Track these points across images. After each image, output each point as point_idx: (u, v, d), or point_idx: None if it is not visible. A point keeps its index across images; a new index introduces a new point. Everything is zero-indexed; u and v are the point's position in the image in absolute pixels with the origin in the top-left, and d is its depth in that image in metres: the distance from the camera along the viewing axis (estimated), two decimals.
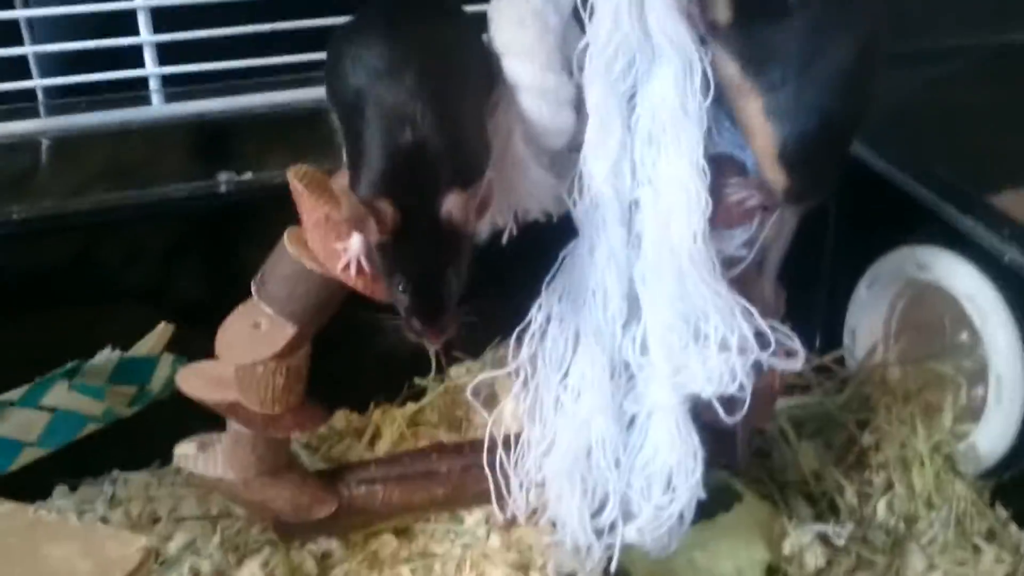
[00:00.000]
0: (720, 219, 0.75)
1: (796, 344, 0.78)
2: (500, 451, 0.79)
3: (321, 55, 0.98)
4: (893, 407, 1.05)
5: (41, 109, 0.97)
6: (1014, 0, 1.27)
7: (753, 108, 0.73)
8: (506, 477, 0.81)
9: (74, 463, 0.98)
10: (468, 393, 0.81)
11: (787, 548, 0.91)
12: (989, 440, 0.99)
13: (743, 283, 0.79)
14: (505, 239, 0.78)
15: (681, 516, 0.77)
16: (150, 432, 0.97)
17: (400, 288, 0.67)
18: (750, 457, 0.99)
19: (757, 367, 0.76)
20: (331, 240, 0.72)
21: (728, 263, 0.78)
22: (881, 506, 0.99)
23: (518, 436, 0.80)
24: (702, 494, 0.77)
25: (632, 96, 0.71)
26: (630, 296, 0.73)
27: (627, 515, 0.77)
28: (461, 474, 0.88)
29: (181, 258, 1.02)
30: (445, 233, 0.66)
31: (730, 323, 0.73)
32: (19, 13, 0.94)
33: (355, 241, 0.71)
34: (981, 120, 1.19)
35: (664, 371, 0.73)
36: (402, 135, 0.65)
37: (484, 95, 0.72)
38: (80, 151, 0.98)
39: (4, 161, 0.95)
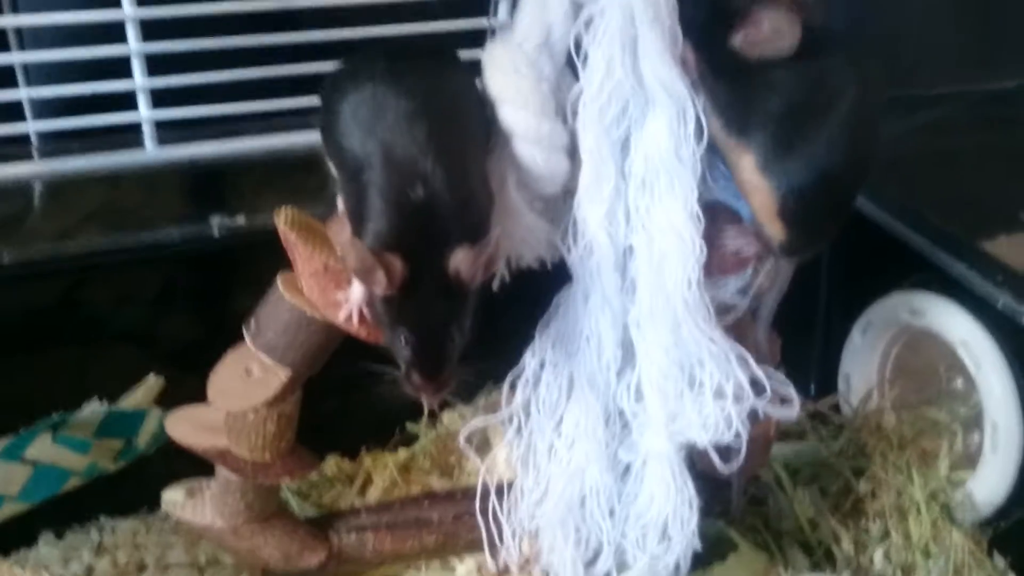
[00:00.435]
0: (715, 266, 0.75)
1: (791, 391, 0.78)
2: (493, 499, 0.78)
3: (313, 100, 1.00)
4: (889, 454, 1.04)
5: (35, 153, 0.97)
6: (1005, 46, 1.28)
7: (745, 164, 0.73)
8: (499, 525, 0.80)
9: (60, 510, 0.97)
10: (461, 439, 0.80)
11: None
12: (986, 488, 0.98)
13: (738, 330, 0.79)
14: (496, 285, 0.77)
15: (677, 566, 0.76)
16: (138, 478, 0.96)
17: (403, 341, 0.66)
18: (745, 505, 0.98)
19: (753, 415, 0.75)
20: (331, 289, 0.71)
21: (722, 310, 0.77)
22: (878, 555, 0.98)
23: (511, 484, 0.79)
24: (698, 544, 0.76)
25: (626, 142, 0.70)
26: (624, 343, 0.72)
27: (621, 565, 0.76)
28: (453, 522, 0.87)
29: (172, 302, 1.02)
30: (451, 289, 0.65)
31: (725, 370, 0.72)
32: (15, 57, 0.94)
33: (356, 290, 0.70)
34: (973, 165, 1.20)
35: (659, 419, 0.72)
36: (413, 190, 0.65)
37: (484, 145, 0.72)
38: (73, 194, 0.98)
39: None
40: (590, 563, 0.77)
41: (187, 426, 0.80)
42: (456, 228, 0.65)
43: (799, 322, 0.89)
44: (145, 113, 0.98)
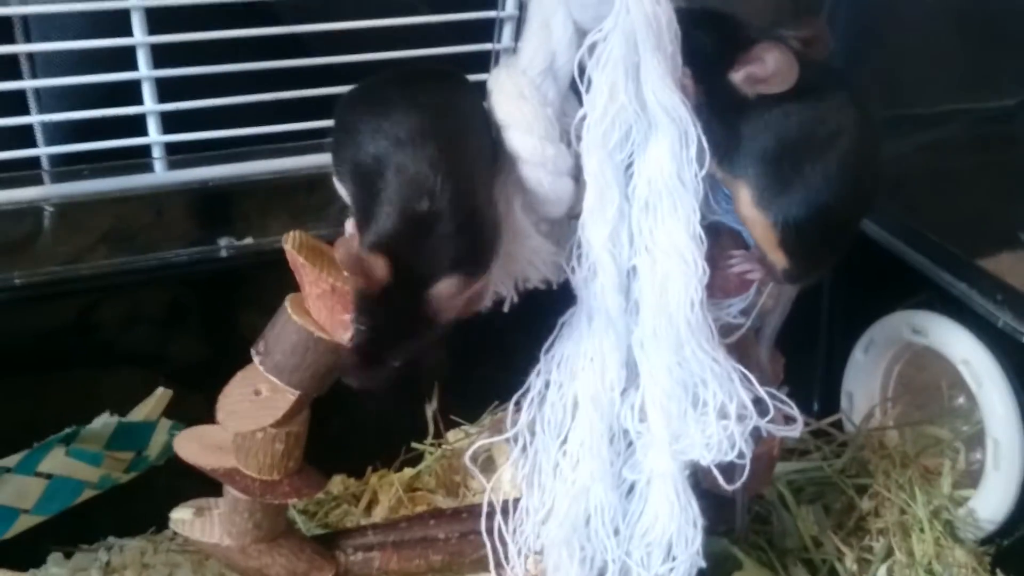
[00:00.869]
0: (718, 288, 0.75)
1: (794, 411, 0.78)
2: (499, 518, 0.79)
3: (320, 123, 1.01)
4: (892, 472, 1.05)
5: (45, 176, 0.98)
6: (1006, 65, 1.29)
7: (743, 197, 0.74)
8: (504, 544, 0.80)
9: (69, 529, 0.98)
10: (465, 459, 0.81)
11: None
12: (988, 506, 0.99)
13: (741, 349, 0.80)
14: (507, 308, 0.78)
15: None
16: (145, 498, 0.96)
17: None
18: (749, 523, 0.99)
19: (756, 434, 0.76)
20: (338, 311, 0.72)
21: (726, 330, 0.78)
22: (882, 573, 0.98)
23: (516, 502, 0.80)
24: (701, 563, 0.77)
25: (630, 165, 0.71)
26: (628, 363, 0.73)
27: None
28: (459, 541, 0.87)
29: (181, 323, 1.03)
30: (423, 310, 0.67)
31: (728, 390, 0.73)
32: (28, 84, 0.95)
33: None
34: (974, 184, 1.20)
35: (663, 438, 0.73)
36: (419, 203, 0.66)
37: (492, 166, 0.72)
38: (82, 217, 0.99)
39: (8, 227, 0.96)
40: None
41: (195, 446, 0.80)
42: (450, 252, 0.67)
43: (802, 340, 0.90)
44: (155, 137, 0.99)
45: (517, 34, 1.01)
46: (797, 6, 1.21)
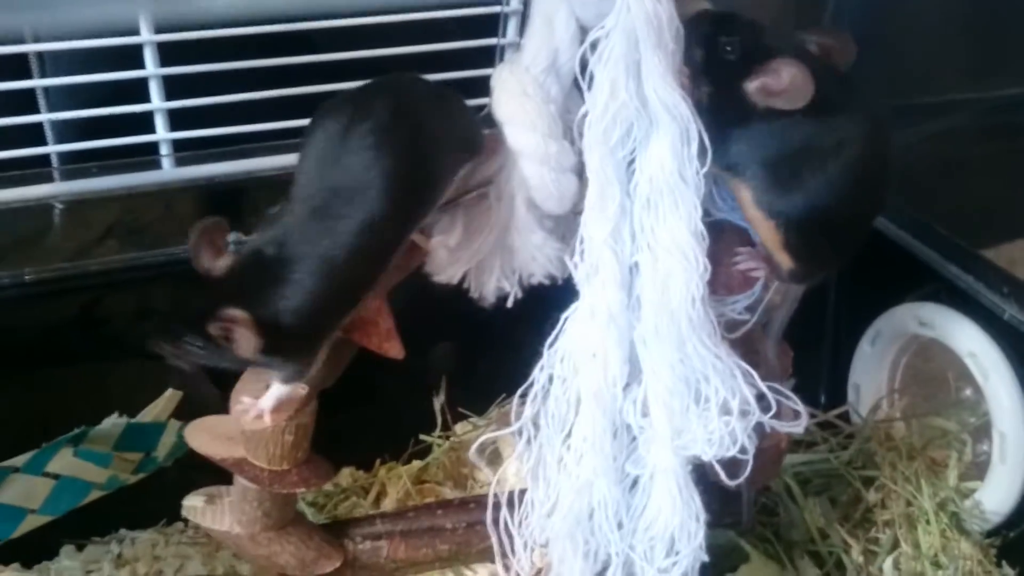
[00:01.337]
0: (720, 285, 0.76)
1: (799, 406, 0.78)
2: (504, 511, 0.79)
3: None
4: (898, 464, 1.05)
5: (55, 174, 0.99)
6: (1014, 53, 1.28)
7: (745, 198, 0.74)
8: (510, 536, 0.81)
9: (81, 523, 0.98)
10: (471, 453, 0.81)
11: None
12: (995, 498, 0.99)
13: (747, 343, 0.80)
14: (510, 303, 0.78)
15: None
16: (157, 492, 0.97)
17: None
18: (756, 515, 0.99)
19: (760, 429, 0.76)
20: None
21: (731, 326, 0.78)
22: (888, 565, 0.98)
23: (523, 494, 0.80)
24: (704, 557, 0.77)
25: (632, 162, 0.71)
26: (631, 359, 0.73)
27: None
28: (466, 530, 0.88)
29: None
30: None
31: (731, 386, 0.73)
32: (37, 82, 0.96)
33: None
34: (982, 174, 1.20)
35: (665, 434, 0.73)
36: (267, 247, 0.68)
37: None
38: (91, 212, 1.00)
39: (19, 223, 0.97)
40: (599, 575, 0.78)
41: (206, 436, 0.81)
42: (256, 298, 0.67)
43: (809, 333, 0.90)
44: (162, 134, 1.00)
45: (522, 29, 1.01)
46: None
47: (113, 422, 0.95)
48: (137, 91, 0.98)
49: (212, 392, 0.75)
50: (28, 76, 0.96)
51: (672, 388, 0.72)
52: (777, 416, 0.76)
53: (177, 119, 1.00)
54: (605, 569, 0.77)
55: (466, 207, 0.76)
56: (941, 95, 1.28)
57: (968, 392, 1.06)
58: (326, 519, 1.03)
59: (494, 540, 0.81)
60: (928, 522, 1.00)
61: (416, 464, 1.10)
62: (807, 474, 1.06)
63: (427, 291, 0.78)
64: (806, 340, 0.90)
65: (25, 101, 0.96)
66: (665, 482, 0.74)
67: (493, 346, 1.01)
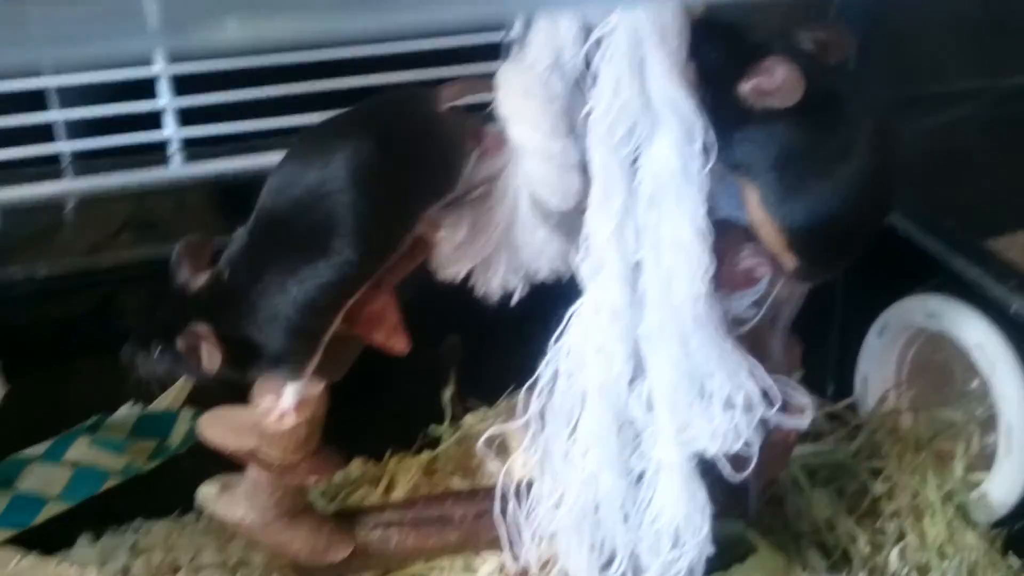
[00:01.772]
0: (724, 282, 0.76)
1: (805, 399, 0.79)
2: (512, 502, 0.80)
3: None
4: (905, 455, 1.05)
5: (66, 171, 1.00)
6: (1021, 43, 1.28)
7: (752, 198, 0.74)
8: (518, 528, 0.82)
9: (97, 513, 1.00)
10: (480, 445, 0.82)
11: None
12: (1001, 489, 0.99)
13: (753, 339, 0.80)
14: (515, 300, 0.79)
15: (691, 571, 0.78)
16: (171, 482, 0.98)
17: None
18: (763, 506, 1.00)
19: (764, 422, 0.77)
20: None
21: (737, 321, 0.79)
22: (894, 556, 0.99)
23: (530, 486, 0.81)
24: (710, 549, 0.77)
25: (636, 160, 0.71)
26: (635, 354, 0.74)
27: (636, 570, 0.77)
28: (474, 520, 0.89)
29: None
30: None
31: (736, 381, 0.74)
32: (50, 81, 0.97)
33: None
34: (990, 165, 1.20)
35: (669, 428, 0.73)
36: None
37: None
38: (102, 209, 1.01)
39: (32, 220, 0.98)
40: (605, 567, 0.78)
41: (219, 428, 0.82)
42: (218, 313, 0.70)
43: (816, 325, 0.90)
44: (172, 132, 1.01)
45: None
46: None
47: (127, 411, 0.96)
48: (147, 89, 0.99)
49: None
50: (39, 75, 0.97)
51: (676, 383, 0.73)
52: (783, 410, 0.77)
53: (186, 117, 1.01)
54: (611, 561, 0.78)
55: (471, 204, 0.77)
56: (949, 85, 1.27)
57: (975, 384, 1.06)
58: (336, 509, 1.04)
59: (501, 531, 0.82)
60: (934, 513, 1.00)
61: (426, 455, 1.11)
62: (814, 465, 1.07)
63: (436, 283, 0.79)
64: (814, 332, 0.90)
65: (36, 100, 0.98)
66: (670, 476, 0.75)
67: (502, 339, 1.02)
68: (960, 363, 1.06)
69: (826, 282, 0.81)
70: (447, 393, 1.12)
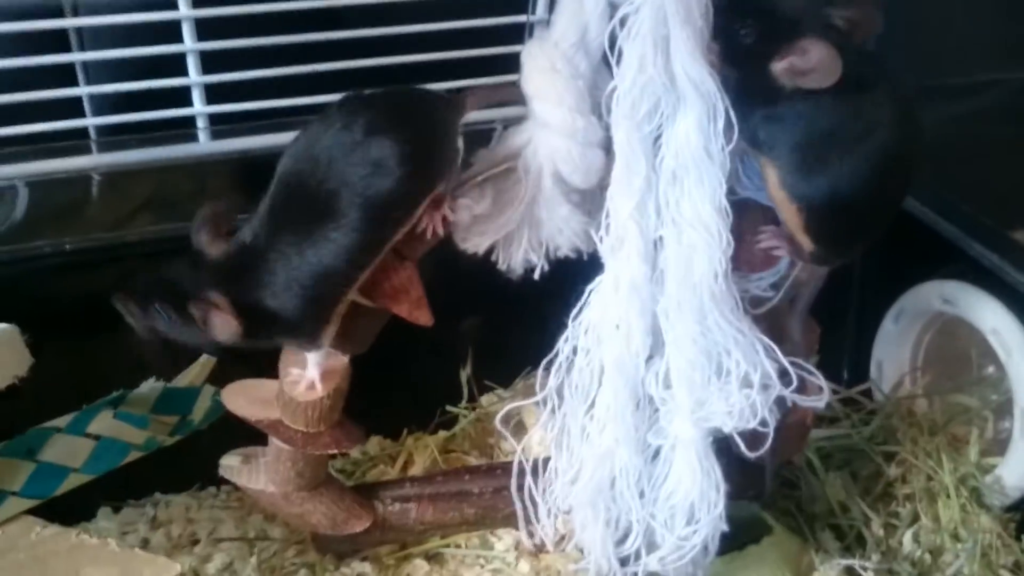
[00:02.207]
0: (743, 262, 0.76)
1: (821, 381, 0.79)
2: (528, 478, 0.81)
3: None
4: (919, 439, 1.06)
5: (93, 146, 1.01)
6: None
7: (771, 178, 0.74)
8: (535, 504, 0.82)
9: (117, 486, 1.01)
10: (496, 421, 0.83)
11: None
12: (1015, 473, 1.00)
13: (771, 320, 0.81)
14: (537, 275, 0.80)
15: (705, 547, 0.78)
16: (191, 456, 0.99)
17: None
18: (778, 488, 1.01)
19: (781, 403, 0.77)
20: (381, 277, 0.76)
21: (756, 302, 0.79)
22: (907, 538, 0.99)
23: (546, 462, 0.82)
24: (724, 526, 0.78)
25: (658, 137, 0.72)
26: (654, 331, 0.74)
27: (651, 545, 0.78)
28: (492, 495, 0.90)
29: None
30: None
31: (752, 360, 0.74)
32: (76, 56, 0.98)
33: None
34: (1010, 154, 1.20)
35: (686, 406, 0.74)
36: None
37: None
38: (128, 184, 1.02)
39: (59, 194, 0.99)
40: (620, 542, 0.79)
41: (242, 399, 0.84)
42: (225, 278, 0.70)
43: (833, 309, 0.91)
44: (199, 107, 1.02)
45: (552, 5, 1.02)
46: None
47: (151, 386, 0.97)
48: (174, 65, 1.00)
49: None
50: (67, 50, 0.98)
51: (693, 360, 0.73)
52: (799, 391, 0.77)
53: (213, 93, 1.02)
54: (626, 536, 0.79)
55: (495, 180, 0.78)
56: (971, 75, 1.27)
57: (991, 370, 1.06)
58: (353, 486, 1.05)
59: (518, 507, 0.83)
60: (948, 496, 1.00)
61: (442, 434, 1.12)
62: (829, 449, 1.07)
63: (455, 264, 0.80)
64: (830, 317, 0.91)
65: (64, 74, 0.98)
66: (686, 453, 0.75)
67: (519, 319, 1.03)
68: (976, 349, 1.06)
69: (843, 267, 0.82)
70: (464, 373, 1.13)
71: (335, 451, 0.83)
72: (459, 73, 1.01)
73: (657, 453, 0.78)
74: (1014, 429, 0.99)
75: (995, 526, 0.97)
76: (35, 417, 0.93)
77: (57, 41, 0.98)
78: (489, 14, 1.06)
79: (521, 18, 1.06)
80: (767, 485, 0.90)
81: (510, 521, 0.88)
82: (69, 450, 0.93)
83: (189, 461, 1.01)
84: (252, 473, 0.86)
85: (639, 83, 0.70)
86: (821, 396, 0.80)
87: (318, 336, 0.74)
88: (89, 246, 0.98)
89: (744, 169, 0.78)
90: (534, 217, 0.78)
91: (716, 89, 0.69)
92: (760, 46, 0.71)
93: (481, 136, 0.81)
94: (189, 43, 0.97)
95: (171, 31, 0.98)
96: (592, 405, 0.77)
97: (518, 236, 0.79)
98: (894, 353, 1.12)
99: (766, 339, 0.75)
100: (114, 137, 1.02)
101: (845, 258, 0.80)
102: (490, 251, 0.80)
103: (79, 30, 0.99)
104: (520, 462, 0.82)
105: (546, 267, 0.80)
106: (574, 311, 0.76)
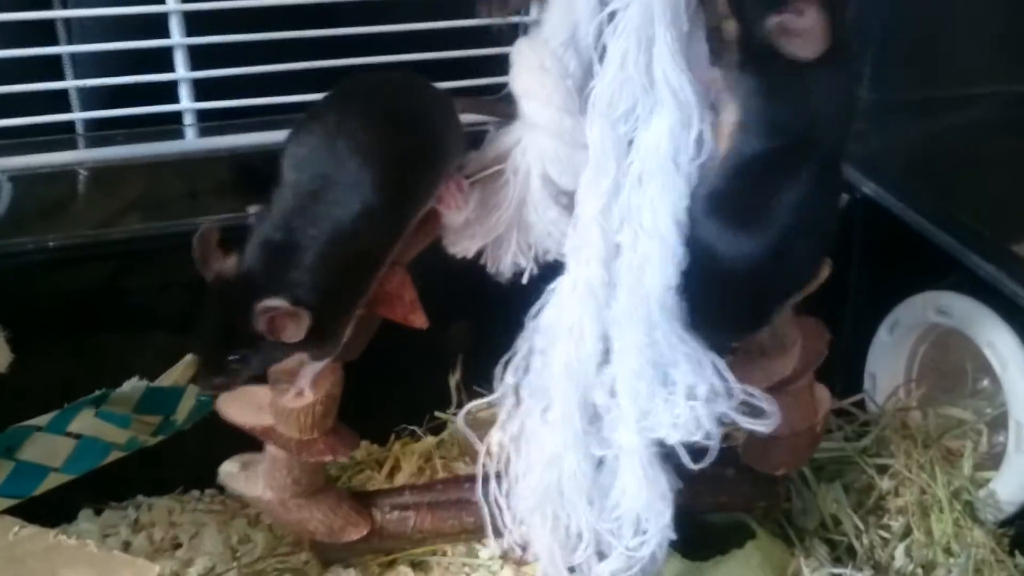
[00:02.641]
0: None
1: (772, 408, 0.76)
2: (493, 484, 0.80)
3: None
4: (913, 452, 1.04)
5: (79, 141, 1.00)
6: None
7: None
8: (500, 509, 0.81)
9: (99, 487, 1.00)
10: (459, 421, 0.82)
11: None
12: (1009, 488, 0.98)
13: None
14: (526, 279, 0.79)
15: (653, 557, 0.77)
16: (175, 459, 0.98)
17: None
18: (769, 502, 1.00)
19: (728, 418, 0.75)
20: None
21: None
22: (899, 552, 0.98)
23: (507, 466, 0.81)
24: (672, 535, 0.76)
25: (633, 140, 0.71)
26: (606, 337, 0.73)
27: (601, 555, 0.77)
28: None
29: None
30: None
31: (699, 373, 0.72)
32: (64, 49, 0.97)
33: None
34: (1006, 167, 1.19)
35: (631, 415, 0.73)
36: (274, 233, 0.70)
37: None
38: (115, 183, 1.01)
39: (43, 190, 0.98)
40: (571, 551, 0.77)
41: (236, 405, 0.83)
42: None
43: (827, 319, 0.90)
44: (187, 104, 1.01)
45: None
46: None
47: (133, 385, 0.96)
48: (162, 60, 0.99)
49: None
50: (55, 42, 0.97)
51: (639, 371, 0.72)
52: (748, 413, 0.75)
53: (201, 89, 1.01)
54: (577, 545, 0.77)
55: (483, 183, 0.77)
56: (967, 88, 1.27)
57: (986, 383, 1.05)
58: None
59: (484, 515, 0.81)
60: (941, 510, 0.99)
61: (431, 439, 1.11)
62: (821, 460, 1.06)
63: (444, 270, 0.79)
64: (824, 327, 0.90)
65: (51, 67, 0.98)
66: (630, 462, 0.74)
67: (509, 325, 1.02)
68: (971, 361, 1.05)
69: (837, 277, 0.80)
70: (453, 378, 1.11)
71: (330, 458, 0.83)
72: (451, 73, 1.00)
73: (603, 461, 0.77)
74: (1008, 443, 0.98)
75: (988, 541, 0.96)
76: (15, 415, 0.92)
77: (45, 33, 0.97)
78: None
79: (515, 18, 1.05)
80: (780, 496, 0.90)
81: None
82: (49, 449, 0.92)
83: (172, 463, 1.00)
84: (250, 480, 0.86)
85: (619, 80, 0.69)
86: (769, 421, 0.77)
87: (338, 339, 0.74)
88: (73, 243, 0.97)
89: None
90: (523, 220, 0.77)
91: (695, 99, 0.68)
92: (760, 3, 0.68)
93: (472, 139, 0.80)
94: (177, 38, 0.97)
95: (159, 26, 0.98)
96: (548, 408, 0.75)
97: (507, 239, 0.78)
98: (888, 365, 1.10)
99: (712, 354, 0.73)
100: (101, 132, 1.01)
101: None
102: (479, 256, 0.80)
103: (67, 22, 0.98)
104: (484, 467, 0.81)
105: (536, 271, 0.79)
106: (532, 310, 0.75)
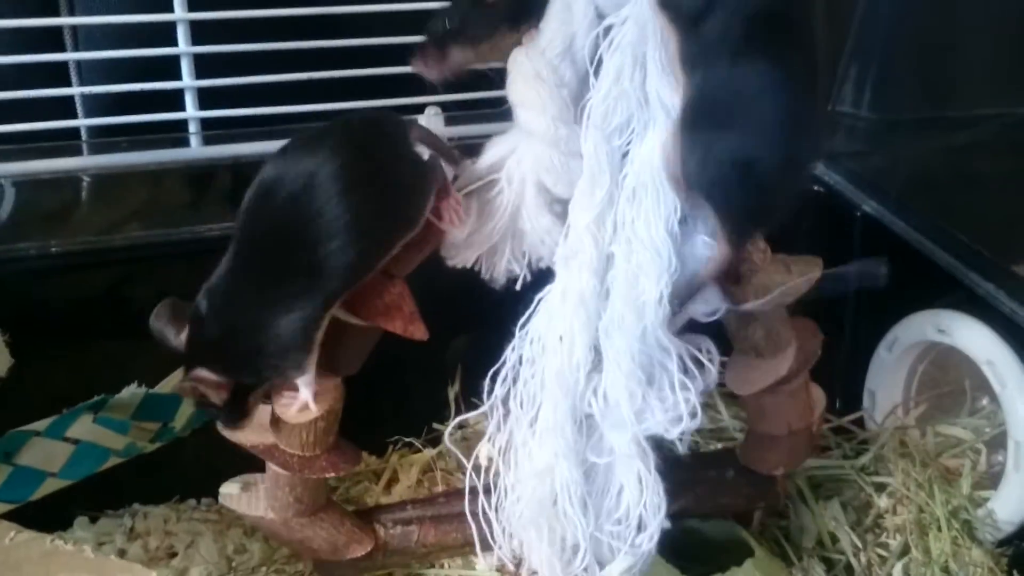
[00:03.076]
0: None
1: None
2: (481, 497, 0.80)
3: (355, 103, 1.02)
4: (912, 471, 1.03)
5: (84, 147, 1.01)
6: None
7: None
8: (490, 523, 0.81)
9: (95, 495, 1.00)
10: (445, 437, 0.82)
11: None
12: (1007, 507, 0.98)
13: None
14: (519, 286, 0.79)
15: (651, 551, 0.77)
16: (171, 468, 0.98)
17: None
18: (765, 518, 0.99)
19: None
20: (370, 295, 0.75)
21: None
22: (897, 570, 0.97)
23: (496, 479, 0.81)
24: (667, 524, 0.77)
25: (627, 153, 0.72)
26: (596, 346, 0.74)
27: (601, 560, 0.77)
28: None
29: None
30: None
31: (683, 367, 0.74)
32: (70, 56, 0.98)
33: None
34: (1007, 187, 1.19)
35: (627, 417, 0.73)
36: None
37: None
38: (119, 190, 1.01)
39: (47, 196, 0.99)
40: (569, 560, 0.77)
41: None
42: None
43: (826, 337, 0.90)
44: (191, 112, 1.01)
45: None
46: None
47: (132, 391, 0.96)
48: (168, 69, 1.00)
49: None
50: (62, 49, 0.98)
51: (631, 375, 0.72)
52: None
53: (206, 98, 1.02)
54: (575, 554, 0.77)
55: (478, 193, 0.77)
56: (968, 109, 1.27)
57: (985, 402, 1.05)
58: (338, 502, 1.04)
59: (473, 529, 0.81)
60: (939, 529, 0.98)
61: (429, 451, 1.10)
62: (819, 478, 1.05)
63: (444, 284, 0.79)
64: (823, 344, 0.90)
65: (57, 74, 0.99)
66: (628, 464, 0.74)
67: (507, 338, 1.02)
68: (970, 380, 1.04)
69: (836, 297, 0.80)
70: (452, 390, 1.11)
71: (332, 474, 0.82)
72: (455, 84, 1.00)
73: (597, 467, 0.76)
74: (1007, 462, 0.97)
75: (987, 560, 0.95)
76: (14, 420, 0.92)
77: (51, 40, 0.98)
78: None
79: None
80: (779, 496, 0.89)
81: None
82: (47, 454, 0.92)
83: (169, 472, 1.00)
84: (251, 500, 0.86)
85: (613, 94, 0.70)
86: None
87: (304, 365, 0.74)
88: (75, 249, 0.97)
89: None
90: (517, 228, 0.77)
91: None
92: None
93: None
94: (183, 46, 0.97)
95: (166, 34, 0.99)
96: (536, 418, 0.75)
97: (501, 247, 0.79)
98: (887, 382, 1.10)
99: (693, 350, 0.75)
100: (105, 139, 1.01)
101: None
102: (476, 266, 0.80)
103: (74, 29, 0.99)
104: (471, 479, 0.80)
105: (529, 277, 0.79)
106: (522, 320, 0.75)
